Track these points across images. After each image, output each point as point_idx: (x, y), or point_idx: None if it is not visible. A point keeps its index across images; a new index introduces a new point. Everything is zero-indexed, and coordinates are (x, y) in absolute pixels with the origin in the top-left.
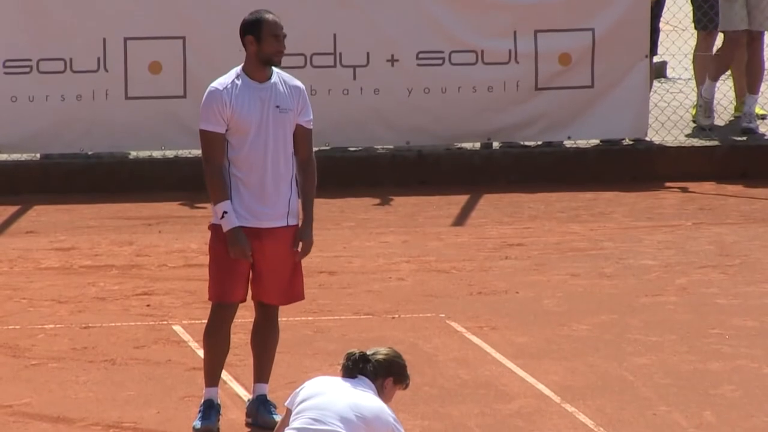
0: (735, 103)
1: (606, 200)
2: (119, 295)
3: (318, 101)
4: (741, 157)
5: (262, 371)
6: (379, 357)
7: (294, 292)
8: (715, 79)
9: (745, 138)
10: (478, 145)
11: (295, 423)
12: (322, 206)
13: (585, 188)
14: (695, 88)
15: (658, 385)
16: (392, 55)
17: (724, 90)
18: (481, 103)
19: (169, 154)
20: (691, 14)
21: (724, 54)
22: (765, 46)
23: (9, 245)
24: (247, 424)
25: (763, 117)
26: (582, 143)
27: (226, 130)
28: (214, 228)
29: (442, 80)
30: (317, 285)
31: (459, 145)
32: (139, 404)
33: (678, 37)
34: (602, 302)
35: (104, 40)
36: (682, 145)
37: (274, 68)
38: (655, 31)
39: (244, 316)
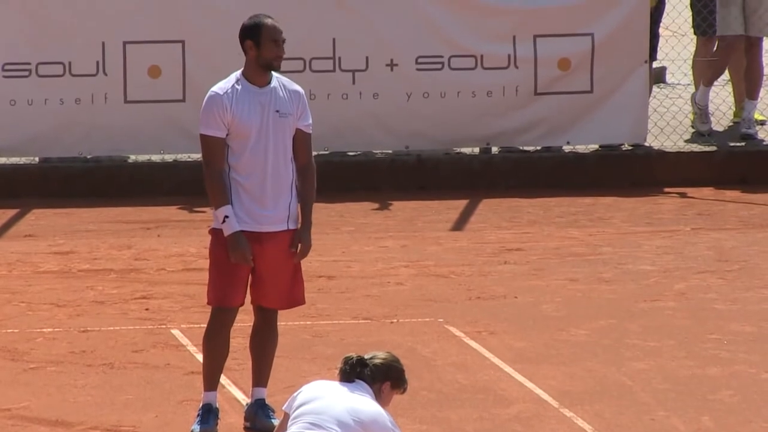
0: (734, 109)
1: (605, 205)
2: (118, 299)
3: (317, 106)
4: (740, 163)
5: (260, 375)
6: (377, 361)
7: (294, 297)
8: (709, 84)
9: (744, 143)
10: (477, 149)
11: (293, 427)
12: (321, 210)
13: (584, 193)
14: None
15: (656, 390)
16: (391, 60)
17: (723, 95)
18: (481, 107)
19: (168, 158)
20: (690, 20)
21: (719, 59)
22: (764, 51)
23: (8, 249)
24: (246, 428)
25: (762, 122)
26: (581, 148)
27: (227, 135)
28: (215, 232)
29: (442, 85)
30: (316, 289)
31: (458, 150)
32: (137, 408)
33: (677, 42)
34: (601, 307)
35: (103, 43)
36: (681, 150)
37: (273, 73)
38: (654, 37)
39: (243, 321)
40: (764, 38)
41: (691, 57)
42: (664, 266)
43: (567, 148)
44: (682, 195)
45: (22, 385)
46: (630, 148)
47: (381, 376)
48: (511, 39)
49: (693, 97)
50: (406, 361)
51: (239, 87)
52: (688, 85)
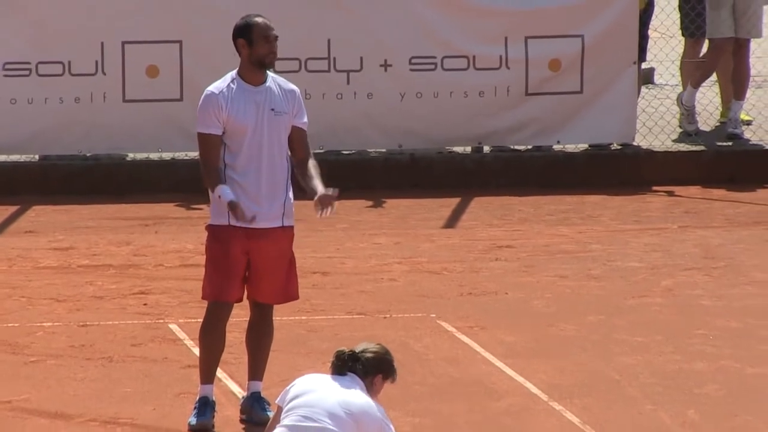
0: (721, 109)
1: (594, 203)
2: (116, 294)
3: (312, 105)
4: (727, 162)
5: (256, 369)
6: (369, 356)
7: (289, 292)
8: (697, 86)
9: (730, 143)
10: (469, 149)
11: (286, 420)
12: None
13: (573, 192)
14: None
15: (643, 385)
16: (385, 60)
17: (711, 96)
18: (473, 107)
19: (166, 156)
20: (678, 22)
21: (708, 61)
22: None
23: (8, 245)
24: (242, 421)
25: (748, 123)
26: (571, 148)
27: (223, 133)
28: (211, 228)
29: (435, 85)
30: (311, 285)
31: (450, 149)
32: (135, 401)
33: (666, 44)
34: (590, 303)
35: (102, 43)
36: (669, 150)
37: (269, 72)
38: (643, 38)
39: (239, 315)
40: (751, 40)
41: (679, 58)
42: (651, 263)
43: (557, 148)
44: (670, 193)
45: (22, 378)
46: (619, 147)
47: (373, 370)
48: (502, 40)
49: (680, 98)
50: (398, 355)
51: (234, 86)
52: (676, 85)
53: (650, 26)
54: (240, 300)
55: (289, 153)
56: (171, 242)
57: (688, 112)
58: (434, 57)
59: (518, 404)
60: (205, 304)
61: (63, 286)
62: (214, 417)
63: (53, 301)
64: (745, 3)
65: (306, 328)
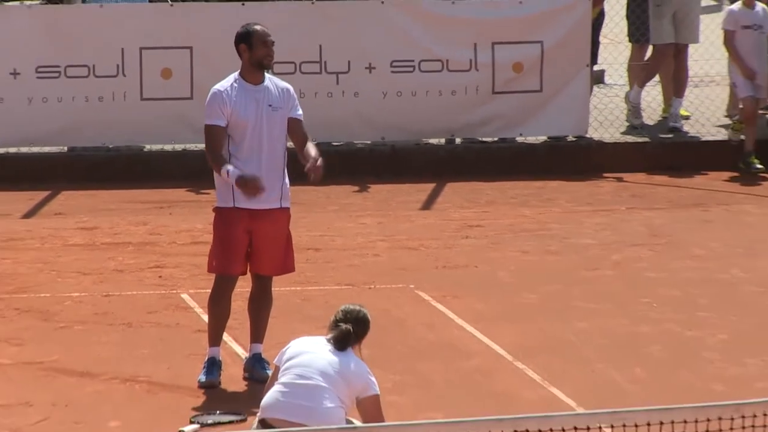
0: (663, 106)
1: (552, 188)
2: (135, 268)
3: (305, 103)
4: (668, 152)
5: (257, 333)
6: (360, 329)
7: (286, 265)
8: (642, 85)
9: (671, 135)
10: (443, 140)
11: (283, 378)
12: (309, 193)
13: (534, 178)
14: None
15: (596, 346)
16: (370, 64)
17: (654, 94)
18: (446, 104)
19: (178, 147)
20: (626, 29)
21: (652, 64)
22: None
23: (40, 225)
24: (245, 378)
25: (686, 117)
26: (532, 139)
27: (227, 126)
28: (218, 210)
29: (413, 85)
30: (305, 260)
31: (427, 141)
32: (152, 361)
33: (615, 48)
34: (549, 275)
35: (122, 49)
36: (618, 141)
37: (266, 74)
38: (595, 44)
39: (243, 287)
40: (689, 45)
41: (627, 61)
42: (602, 240)
43: (520, 140)
44: (619, 179)
45: (53, 342)
46: (574, 139)
47: (360, 337)
48: (472, 46)
49: (627, 96)
50: (381, 321)
51: (237, 85)
52: (624, 85)
53: (601, 33)
54: (243, 273)
55: (287, 143)
56: (183, 223)
57: (634, 109)
58: (412, 61)
59: (487, 363)
60: (212, 276)
61: (88, 261)
62: (220, 375)
63: (80, 275)
64: (683, 12)
65: (301, 298)
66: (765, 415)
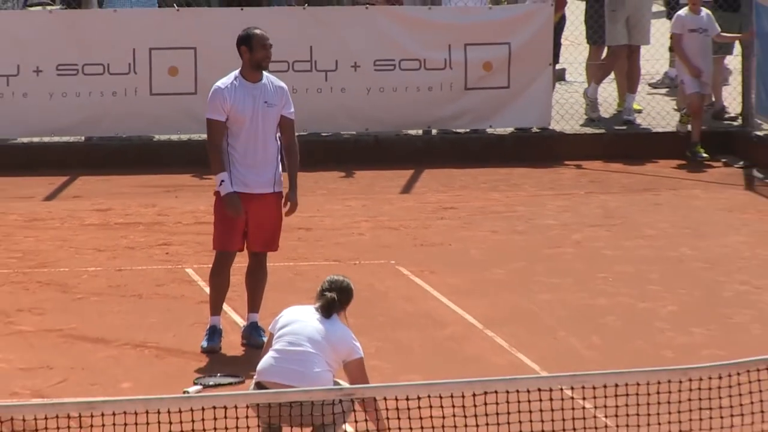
0: (618, 101)
1: (519, 175)
2: (145, 245)
3: (298, 98)
4: (622, 142)
5: (254, 304)
6: (345, 297)
7: (275, 243)
8: (599, 83)
9: (625, 127)
10: (420, 132)
11: (276, 345)
12: (300, 178)
13: (503, 165)
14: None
15: (557, 316)
16: (355, 63)
17: (610, 90)
18: (424, 99)
19: (183, 137)
20: (584, 32)
21: (607, 63)
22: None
23: (60, 207)
24: (242, 344)
25: (639, 111)
26: (500, 131)
27: (226, 119)
28: (218, 194)
29: (393, 82)
30: (297, 238)
31: (406, 132)
32: (159, 329)
33: (575, 49)
34: (515, 253)
35: (134, 50)
36: (577, 132)
37: (264, 72)
38: (557, 45)
39: (241, 263)
40: (641, 46)
41: (585, 61)
42: (563, 221)
43: (490, 131)
44: (578, 167)
45: (71, 312)
46: (538, 130)
47: (345, 305)
48: (447, 47)
49: (585, 92)
50: (365, 294)
51: (237, 83)
52: (583, 82)
53: (562, 36)
54: (241, 250)
55: (279, 135)
56: (187, 205)
57: (592, 103)
58: (393, 60)
59: (459, 332)
60: (214, 253)
61: (103, 239)
62: (221, 341)
63: (95, 251)
64: (636, 17)
65: (293, 272)
66: (710, 378)
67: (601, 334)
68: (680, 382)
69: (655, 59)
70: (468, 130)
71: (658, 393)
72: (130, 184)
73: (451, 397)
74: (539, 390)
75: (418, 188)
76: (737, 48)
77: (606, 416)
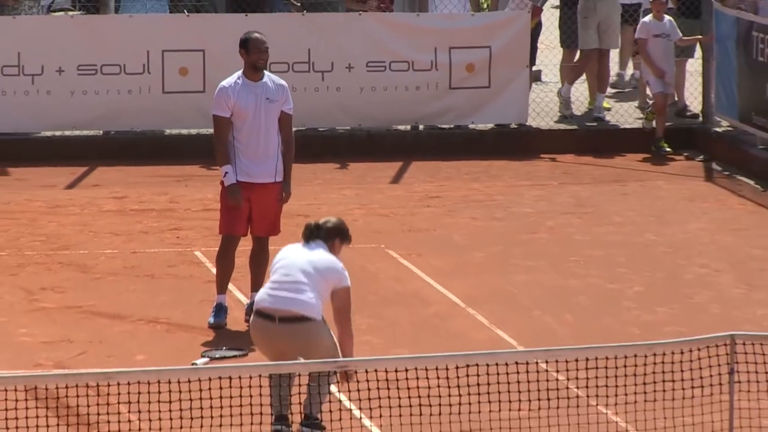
0: (589, 99)
1: (498, 167)
2: (157, 230)
3: (297, 96)
4: (593, 137)
5: (256, 283)
6: (329, 225)
7: (275, 227)
8: (571, 83)
9: (596, 124)
10: (409, 127)
11: (272, 277)
12: (299, 169)
13: (484, 158)
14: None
15: (533, 296)
16: (349, 64)
17: (582, 90)
18: (412, 97)
19: (193, 131)
20: (559, 37)
21: (580, 65)
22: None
23: (80, 195)
24: (246, 321)
25: (608, 109)
26: (482, 126)
27: (231, 115)
28: (224, 184)
29: (384, 82)
30: (296, 225)
31: (396, 127)
32: (170, 306)
33: (550, 52)
34: (494, 238)
35: (148, 51)
36: (552, 128)
37: (266, 72)
38: (533, 49)
39: (245, 246)
40: (611, 50)
41: (559, 63)
42: (539, 209)
43: (472, 127)
44: (552, 160)
45: (90, 290)
46: (516, 126)
47: (333, 235)
48: (433, 50)
49: (559, 91)
50: (358, 275)
51: (240, 82)
52: (557, 82)
53: (539, 40)
54: (245, 234)
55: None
56: (196, 193)
57: (565, 102)
58: (384, 62)
59: (443, 310)
60: (220, 237)
61: (119, 224)
62: (226, 318)
63: (112, 235)
64: (606, 24)
65: None
66: (672, 353)
67: (573, 312)
68: (645, 356)
69: (614, 62)
70: (452, 125)
71: (625, 366)
72: (144, 174)
73: (436, 369)
74: (516, 363)
75: (406, 179)
76: (698, 52)
77: (578, 387)
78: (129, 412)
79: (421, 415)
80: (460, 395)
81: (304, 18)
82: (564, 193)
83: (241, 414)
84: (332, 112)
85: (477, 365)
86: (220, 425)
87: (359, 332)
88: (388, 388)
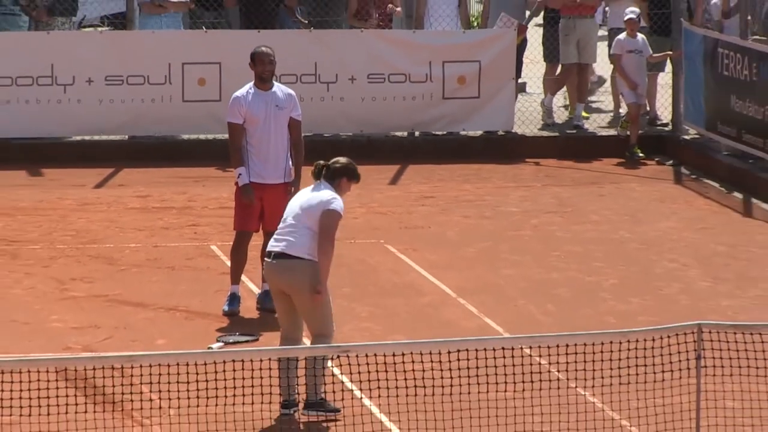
0: (569, 109)
1: (487, 170)
2: (177, 226)
3: (304, 105)
4: (573, 144)
5: None
6: (337, 165)
7: None
8: (554, 94)
9: (575, 131)
10: (406, 133)
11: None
12: (306, 171)
13: (474, 162)
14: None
15: (519, 288)
16: (352, 76)
17: (562, 101)
18: (408, 106)
19: (210, 137)
20: (542, 52)
21: (561, 77)
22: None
23: (107, 194)
24: (257, 309)
25: (587, 118)
26: (472, 133)
27: (243, 122)
28: (237, 185)
29: (384, 92)
30: None
31: (394, 134)
32: (189, 295)
33: (534, 66)
34: (484, 234)
35: (169, 64)
36: (536, 135)
37: (275, 82)
38: (519, 63)
39: (257, 241)
40: (590, 64)
41: (543, 76)
42: (524, 209)
43: (463, 133)
44: (536, 164)
45: (115, 280)
46: (503, 133)
47: (339, 174)
48: (428, 64)
49: (542, 102)
50: (359, 268)
51: (251, 91)
52: (540, 94)
53: (524, 55)
54: (257, 230)
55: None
56: (213, 192)
57: (547, 111)
58: (383, 74)
59: (437, 300)
60: (234, 233)
61: (143, 220)
62: (239, 306)
63: (136, 230)
64: (584, 40)
65: None
66: (645, 340)
67: (554, 302)
68: (620, 343)
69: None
70: (445, 132)
71: (602, 352)
72: (165, 175)
73: (430, 354)
74: (503, 349)
75: (403, 180)
76: (669, 66)
77: (558, 371)
78: (150, 391)
79: (416, 395)
80: (451, 378)
81: (312, 34)
82: (546, 194)
83: (252, 394)
84: (336, 120)
85: (467, 350)
86: (234, 404)
87: (360, 320)
88: (386, 371)
